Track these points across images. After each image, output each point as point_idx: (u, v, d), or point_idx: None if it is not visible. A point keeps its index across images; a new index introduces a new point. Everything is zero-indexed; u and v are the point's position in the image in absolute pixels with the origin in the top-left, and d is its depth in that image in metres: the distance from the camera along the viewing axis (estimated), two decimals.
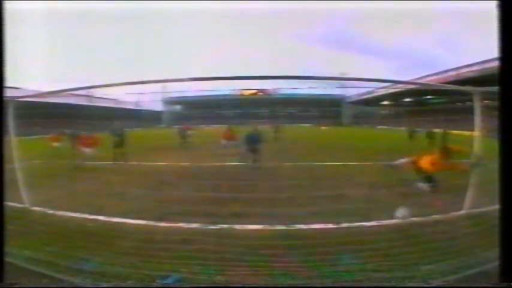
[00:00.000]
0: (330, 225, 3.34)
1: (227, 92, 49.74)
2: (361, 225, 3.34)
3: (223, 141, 11.04)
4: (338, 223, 3.35)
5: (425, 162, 4.43)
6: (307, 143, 13.42)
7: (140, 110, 51.10)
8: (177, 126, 16.21)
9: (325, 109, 53.00)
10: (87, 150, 7.86)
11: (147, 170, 7.39)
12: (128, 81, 3.19)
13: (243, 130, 9.16)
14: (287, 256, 2.53)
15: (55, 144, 10.93)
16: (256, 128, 9.00)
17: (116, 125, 9.90)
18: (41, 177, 5.17)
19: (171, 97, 53.56)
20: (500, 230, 1.68)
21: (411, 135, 14.23)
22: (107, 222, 3.52)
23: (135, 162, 8.18)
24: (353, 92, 49.83)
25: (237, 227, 3.35)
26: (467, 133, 5.05)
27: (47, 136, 11.59)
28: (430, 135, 13.35)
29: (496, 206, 1.75)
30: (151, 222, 3.44)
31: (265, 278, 2.23)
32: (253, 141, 7.43)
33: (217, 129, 21.82)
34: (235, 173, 6.67)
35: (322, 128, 31.90)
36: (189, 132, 14.13)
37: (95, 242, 2.79)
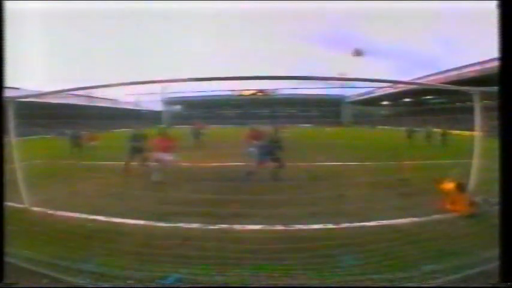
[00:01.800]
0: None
1: (227, 92, 49.79)
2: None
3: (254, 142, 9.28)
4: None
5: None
6: (317, 145, 12.15)
7: (140, 110, 51.14)
8: (191, 125, 15.78)
9: (325, 109, 52.99)
10: (165, 156, 6.26)
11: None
12: (127, 81, 3.20)
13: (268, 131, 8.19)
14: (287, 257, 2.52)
15: (92, 143, 11.27)
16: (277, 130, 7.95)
17: (134, 126, 8.10)
18: None
19: (171, 97, 53.66)
20: (500, 230, 1.68)
21: (410, 135, 14.31)
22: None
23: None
24: (353, 92, 49.96)
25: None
26: (466, 133, 5.04)
27: (84, 135, 11.84)
28: (429, 135, 13.48)
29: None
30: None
31: (265, 278, 2.23)
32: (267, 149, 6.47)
33: (225, 128, 21.20)
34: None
35: (327, 129, 27.28)
36: (201, 131, 13.77)
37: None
